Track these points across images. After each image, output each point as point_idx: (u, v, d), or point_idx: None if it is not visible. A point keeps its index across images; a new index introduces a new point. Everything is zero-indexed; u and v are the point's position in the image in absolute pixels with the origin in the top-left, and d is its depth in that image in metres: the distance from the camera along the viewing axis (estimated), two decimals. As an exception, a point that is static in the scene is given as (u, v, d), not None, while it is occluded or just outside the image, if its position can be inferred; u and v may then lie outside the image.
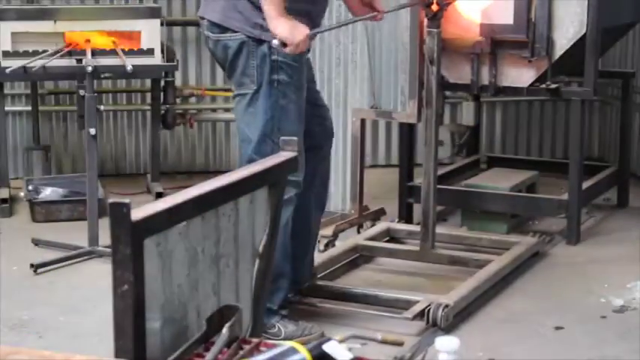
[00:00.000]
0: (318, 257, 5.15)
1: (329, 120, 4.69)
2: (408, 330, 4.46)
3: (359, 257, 5.48)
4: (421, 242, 5.30)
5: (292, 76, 4.22)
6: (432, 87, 5.07)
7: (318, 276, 4.99)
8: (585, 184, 6.03)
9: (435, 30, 5.02)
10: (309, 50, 4.26)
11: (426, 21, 5.09)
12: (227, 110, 7.48)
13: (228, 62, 4.23)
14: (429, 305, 4.48)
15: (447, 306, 4.46)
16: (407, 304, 4.54)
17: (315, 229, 4.68)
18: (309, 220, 4.57)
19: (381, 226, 5.81)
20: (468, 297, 4.70)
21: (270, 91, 4.18)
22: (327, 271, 5.15)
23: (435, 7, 4.99)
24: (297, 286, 4.61)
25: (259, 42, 4.14)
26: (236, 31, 4.17)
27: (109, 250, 2.39)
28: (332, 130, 4.70)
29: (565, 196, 5.89)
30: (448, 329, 4.43)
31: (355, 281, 5.15)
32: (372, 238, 5.62)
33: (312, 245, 4.71)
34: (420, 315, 4.45)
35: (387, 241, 5.70)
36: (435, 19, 5.01)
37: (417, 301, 4.55)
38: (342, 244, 5.50)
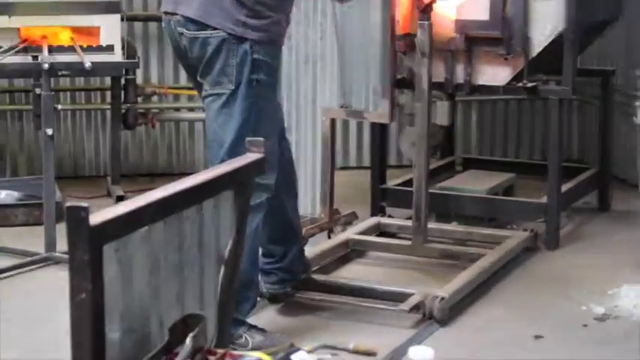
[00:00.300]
0: (309, 252, 5.22)
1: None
2: (404, 323, 4.61)
3: (351, 252, 5.63)
4: (413, 236, 5.45)
5: (270, 75, 4.23)
6: (424, 81, 5.14)
7: (313, 269, 5.11)
8: (565, 187, 6.06)
9: (427, 22, 5.10)
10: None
11: (417, 13, 5.18)
12: (191, 110, 7.46)
13: (206, 60, 4.20)
14: (425, 298, 4.64)
15: (442, 298, 4.63)
16: (403, 297, 4.68)
17: (293, 216, 4.72)
18: (285, 210, 4.62)
19: (371, 220, 5.96)
20: (462, 290, 4.86)
21: (249, 92, 4.17)
22: (320, 265, 5.29)
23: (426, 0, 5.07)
24: (293, 279, 4.73)
25: (241, 40, 4.13)
26: (217, 28, 4.14)
27: (66, 256, 2.37)
28: (284, 131, 4.68)
29: (544, 200, 5.92)
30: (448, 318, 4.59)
31: (349, 275, 5.27)
32: (362, 233, 5.76)
33: (296, 234, 4.78)
34: (416, 307, 4.61)
35: (378, 236, 5.85)
36: (427, 11, 5.09)
37: (413, 294, 4.70)
38: (333, 239, 5.62)
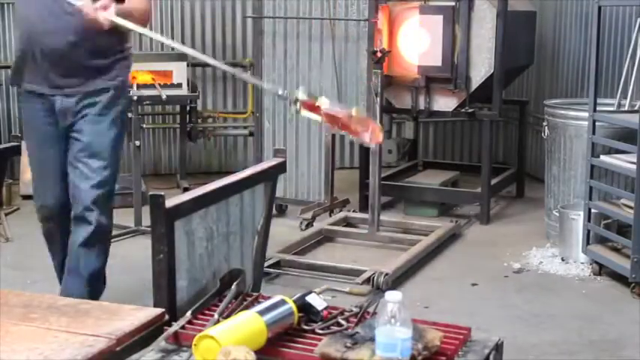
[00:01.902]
0: (293, 237, 5.11)
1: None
2: (360, 291, 4.41)
3: (323, 238, 5.41)
4: (369, 227, 5.26)
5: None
6: (377, 114, 5.06)
7: (294, 252, 4.92)
8: (493, 181, 6.05)
9: (379, 71, 5.01)
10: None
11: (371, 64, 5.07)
12: (235, 128, 7.46)
13: None
14: (374, 274, 4.44)
15: (387, 274, 4.43)
16: (358, 273, 4.50)
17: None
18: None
19: (341, 215, 5.74)
20: (402, 267, 4.67)
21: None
22: (300, 248, 5.10)
23: (379, 54, 5.00)
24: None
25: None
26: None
27: (149, 229, 2.38)
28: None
29: (479, 190, 5.91)
30: (392, 287, 4.38)
31: (321, 256, 5.09)
32: (333, 224, 5.55)
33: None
34: (367, 281, 4.41)
35: (345, 226, 5.64)
36: (379, 62, 5.01)
37: (365, 271, 4.50)
38: (311, 229, 5.44)
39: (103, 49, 3.34)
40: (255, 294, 2.67)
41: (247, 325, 2.17)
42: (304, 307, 2.35)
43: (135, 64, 6.23)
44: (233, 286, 2.57)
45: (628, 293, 4.41)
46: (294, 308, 2.31)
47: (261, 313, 2.22)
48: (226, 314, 2.41)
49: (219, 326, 2.14)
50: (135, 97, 5.57)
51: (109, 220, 3.49)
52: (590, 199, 4.81)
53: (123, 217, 5.84)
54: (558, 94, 6.67)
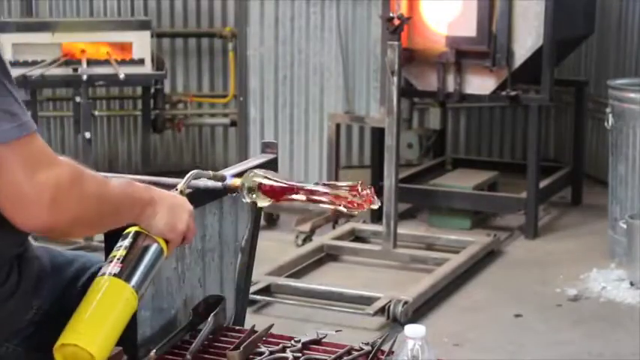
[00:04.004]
0: (287, 255, 5.13)
1: None
2: (370, 325, 4.44)
3: (325, 256, 5.42)
4: (384, 242, 5.27)
5: None
6: (394, 97, 5.06)
7: (286, 274, 4.92)
8: (542, 184, 6.06)
9: (396, 43, 5.01)
10: None
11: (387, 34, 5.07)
12: (212, 115, 7.47)
13: None
14: (390, 302, 4.43)
15: (406, 302, 4.43)
16: (369, 301, 4.50)
17: None
18: None
19: (347, 227, 5.74)
20: (426, 293, 4.66)
21: None
22: (295, 269, 5.11)
23: (396, 22, 4.99)
24: None
25: None
26: None
27: (102, 244, 2.38)
28: None
29: (523, 195, 5.92)
30: (413, 319, 4.37)
31: (321, 278, 5.10)
32: (338, 238, 5.56)
33: None
34: (381, 311, 4.41)
35: (353, 241, 5.64)
36: (396, 32, 5.00)
37: (378, 298, 4.51)
38: (309, 244, 5.46)
39: None
40: (237, 327, 2.67)
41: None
42: None
43: (85, 35, 6.32)
44: (210, 318, 2.57)
45: None
46: (162, 242, 2.18)
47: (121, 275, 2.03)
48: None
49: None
50: (84, 77, 5.58)
51: None
52: (667, 206, 4.82)
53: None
54: (626, 73, 6.67)
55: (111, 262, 2.03)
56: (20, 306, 2.04)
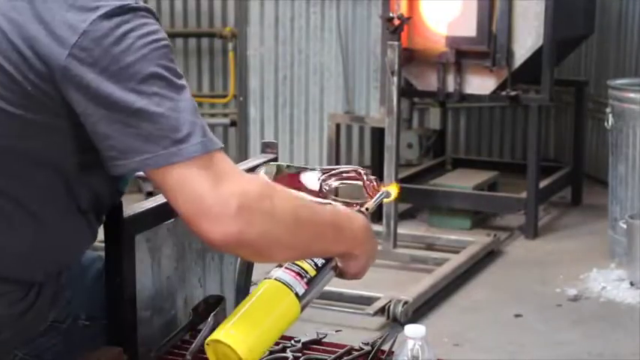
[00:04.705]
0: None
1: None
2: (370, 325, 4.44)
3: None
4: (384, 242, 5.25)
5: None
6: (394, 97, 5.06)
7: None
8: (542, 184, 6.06)
9: (396, 43, 5.01)
10: None
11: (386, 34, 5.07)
12: (212, 115, 7.47)
13: None
14: (390, 302, 4.43)
15: (406, 302, 4.42)
16: (369, 301, 4.50)
17: None
18: None
19: None
20: (426, 293, 4.66)
21: None
22: None
23: (396, 22, 4.99)
24: None
25: None
26: None
27: (102, 245, 2.38)
28: None
29: (523, 195, 5.92)
30: (413, 319, 4.37)
31: None
32: None
33: None
34: (381, 311, 4.41)
35: None
36: (396, 32, 5.00)
37: (378, 298, 4.50)
38: None
39: None
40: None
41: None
42: None
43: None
44: (210, 318, 2.57)
45: None
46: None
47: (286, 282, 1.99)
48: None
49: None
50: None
51: None
52: (667, 206, 4.82)
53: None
54: (626, 73, 6.67)
55: (298, 275, 1.96)
56: (36, 319, 2.03)
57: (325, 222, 1.89)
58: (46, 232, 1.87)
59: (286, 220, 1.78)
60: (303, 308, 2.04)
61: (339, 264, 2.00)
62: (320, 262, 1.98)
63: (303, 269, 1.96)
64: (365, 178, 2.22)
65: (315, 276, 1.98)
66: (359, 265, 2.02)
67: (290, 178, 2.27)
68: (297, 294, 1.96)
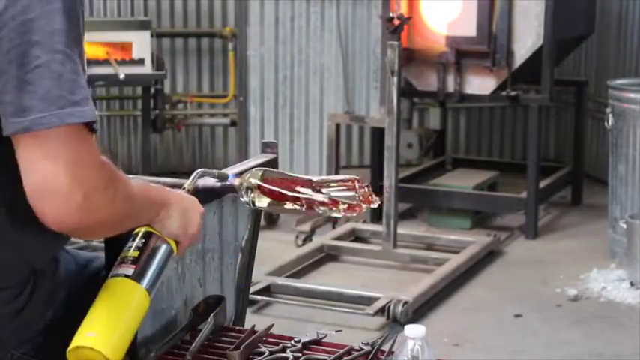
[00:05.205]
0: (287, 255, 5.13)
1: None
2: (370, 325, 4.44)
3: (325, 256, 5.41)
4: (384, 242, 5.26)
5: None
6: (394, 97, 5.06)
7: (286, 274, 4.92)
8: (542, 184, 6.06)
9: (396, 43, 5.01)
10: None
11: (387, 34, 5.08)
12: (212, 115, 7.47)
13: None
14: (390, 302, 4.43)
15: (406, 302, 4.42)
16: (369, 301, 4.50)
17: None
18: None
19: (347, 227, 5.73)
20: (426, 293, 4.66)
21: None
22: (295, 269, 5.10)
23: (396, 22, 4.99)
24: None
25: None
26: None
27: (102, 244, 2.37)
28: None
29: (523, 195, 5.92)
30: (413, 319, 4.37)
31: (322, 279, 5.10)
32: (338, 238, 5.56)
33: None
34: (381, 311, 4.41)
35: (353, 241, 5.64)
36: (396, 32, 5.00)
37: (378, 298, 4.50)
38: (309, 244, 5.46)
39: None
40: (237, 327, 2.66)
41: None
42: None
43: (85, 35, 6.30)
44: (210, 318, 2.56)
45: None
46: (172, 243, 2.16)
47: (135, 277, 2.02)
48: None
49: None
50: (84, 77, 5.57)
51: None
52: (667, 206, 4.82)
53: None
54: (626, 73, 6.67)
55: (122, 262, 2.01)
56: (32, 318, 2.02)
57: (142, 196, 1.95)
58: (19, 220, 1.84)
59: (121, 206, 1.81)
60: (150, 287, 2.04)
61: (160, 233, 2.04)
62: (140, 242, 2.03)
63: (126, 256, 2.01)
64: (357, 186, 2.24)
65: (139, 255, 2.02)
66: (177, 223, 2.04)
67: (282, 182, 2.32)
68: (126, 275, 1.99)
